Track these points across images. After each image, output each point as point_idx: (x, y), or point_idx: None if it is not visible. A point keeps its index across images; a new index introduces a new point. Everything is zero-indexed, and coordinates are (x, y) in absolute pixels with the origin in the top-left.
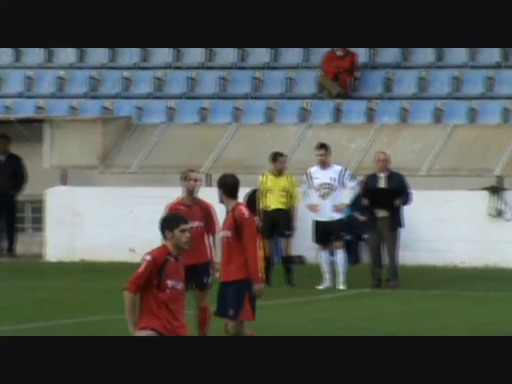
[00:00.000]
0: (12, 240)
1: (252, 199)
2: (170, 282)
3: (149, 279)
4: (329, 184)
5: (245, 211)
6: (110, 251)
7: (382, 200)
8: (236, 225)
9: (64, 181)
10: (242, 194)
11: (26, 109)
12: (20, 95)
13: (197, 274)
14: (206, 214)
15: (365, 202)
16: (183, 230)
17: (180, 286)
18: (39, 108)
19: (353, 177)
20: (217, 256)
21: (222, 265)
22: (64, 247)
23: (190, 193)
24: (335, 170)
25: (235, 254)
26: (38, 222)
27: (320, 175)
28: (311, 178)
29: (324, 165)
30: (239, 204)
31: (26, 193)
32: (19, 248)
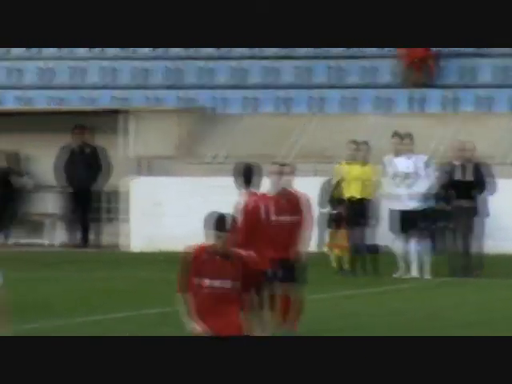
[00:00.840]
0: (94, 230)
1: (325, 188)
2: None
3: None
4: (407, 173)
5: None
6: (191, 241)
7: (462, 191)
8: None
9: (144, 171)
10: (320, 182)
11: (106, 100)
12: (100, 86)
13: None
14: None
15: (444, 193)
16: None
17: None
18: (119, 99)
19: (431, 165)
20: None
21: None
22: (146, 237)
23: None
24: (414, 158)
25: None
26: (117, 213)
27: (398, 163)
28: (389, 166)
29: (402, 153)
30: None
31: (107, 183)
32: (102, 238)
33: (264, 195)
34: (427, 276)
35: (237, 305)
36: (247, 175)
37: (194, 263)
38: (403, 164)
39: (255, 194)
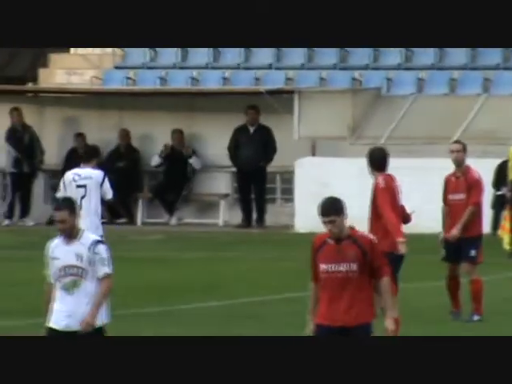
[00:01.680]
0: (262, 211)
1: (502, 170)
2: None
3: None
4: None
5: (381, 181)
6: (358, 224)
7: None
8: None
9: (313, 152)
10: (492, 165)
11: (275, 80)
12: (270, 66)
13: (464, 247)
14: (469, 186)
15: None
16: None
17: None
18: (289, 79)
19: None
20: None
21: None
22: (313, 218)
23: (457, 164)
24: None
25: None
26: (287, 193)
27: None
28: None
29: None
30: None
31: (276, 164)
32: (269, 219)
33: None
34: None
35: (361, 289)
36: (383, 159)
37: (314, 253)
38: None
39: (390, 176)
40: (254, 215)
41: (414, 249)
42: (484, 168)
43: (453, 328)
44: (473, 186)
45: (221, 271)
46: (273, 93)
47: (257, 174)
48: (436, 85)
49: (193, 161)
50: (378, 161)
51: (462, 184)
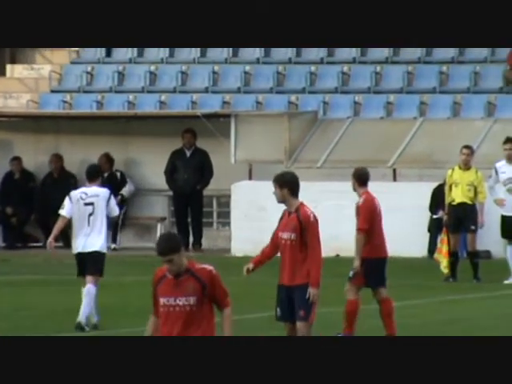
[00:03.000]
0: (199, 235)
1: (438, 193)
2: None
3: None
4: None
5: (310, 213)
6: None
7: None
8: (301, 227)
9: (250, 175)
10: (429, 188)
11: (212, 104)
12: (206, 90)
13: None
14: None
15: None
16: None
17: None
18: (225, 103)
19: None
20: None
21: (283, 268)
22: (250, 242)
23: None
24: None
25: (299, 256)
26: (224, 217)
27: (507, 170)
28: (498, 172)
29: (511, 159)
30: (303, 205)
31: (213, 187)
32: (206, 243)
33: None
34: None
35: (199, 324)
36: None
37: (154, 286)
38: None
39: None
40: (191, 239)
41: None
42: (420, 192)
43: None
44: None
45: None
46: (209, 116)
47: (193, 197)
48: (372, 108)
49: (124, 190)
50: (295, 185)
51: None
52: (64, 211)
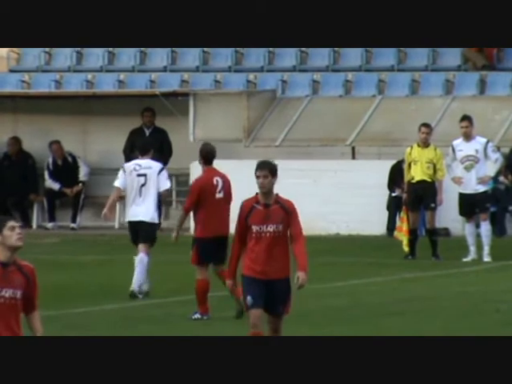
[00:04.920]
0: (158, 213)
1: (396, 171)
2: None
3: None
4: (473, 156)
5: (289, 199)
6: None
7: None
8: (288, 217)
9: None
10: (387, 166)
11: (170, 83)
12: (165, 69)
13: None
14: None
15: (506, 179)
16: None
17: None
18: (184, 82)
19: (496, 149)
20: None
21: (260, 260)
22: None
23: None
24: (479, 141)
25: (282, 249)
26: (183, 196)
27: (464, 147)
28: (455, 150)
29: (468, 137)
30: (278, 194)
31: (172, 166)
32: (164, 221)
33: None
34: (487, 259)
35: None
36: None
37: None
38: (470, 147)
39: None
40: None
41: (309, 251)
42: (379, 169)
43: (341, 329)
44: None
45: (116, 274)
46: (168, 95)
47: None
48: (331, 87)
49: (81, 176)
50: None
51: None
52: (118, 182)
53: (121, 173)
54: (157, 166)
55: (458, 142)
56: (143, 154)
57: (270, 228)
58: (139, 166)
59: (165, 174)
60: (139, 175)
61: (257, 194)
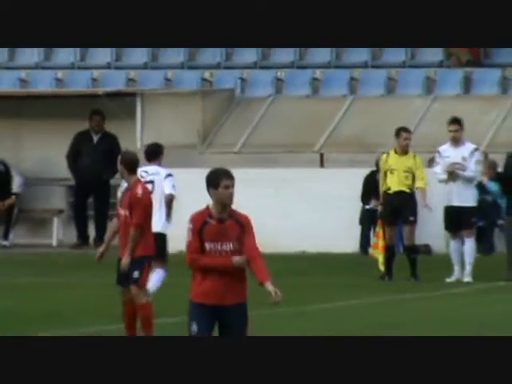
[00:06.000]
0: (103, 229)
1: (370, 181)
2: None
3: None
4: (460, 164)
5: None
6: None
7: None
8: (243, 234)
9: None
10: (361, 175)
11: (115, 81)
12: (108, 66)
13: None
14: (131, 203)
15: (503, 190)
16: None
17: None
18: (130, 80)
19: (480, 162)
20: None
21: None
22: None
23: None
24: (468, 148)
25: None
26: None
27: (451, 153)
28: (442, 156)
29: (456, 142)
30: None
31: (118, 176)
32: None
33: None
34: (468, 279)
35: None
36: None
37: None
38: (458, 154)
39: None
40: (94, 234)
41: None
42: (351, 179)
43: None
44: (135, 204)
45: (57, 298)
46: (112, 96)
47: (98, 187)
48: (296, 85)
49: (14, 187)
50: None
51: (126, 199)
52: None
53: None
54: (164, 171)
55: (445, 148)
56: (152, 159)
57: (226, 247)
58: (146, 172)
59: (171, 179)
60: (146, 182)
61: (207, 206)
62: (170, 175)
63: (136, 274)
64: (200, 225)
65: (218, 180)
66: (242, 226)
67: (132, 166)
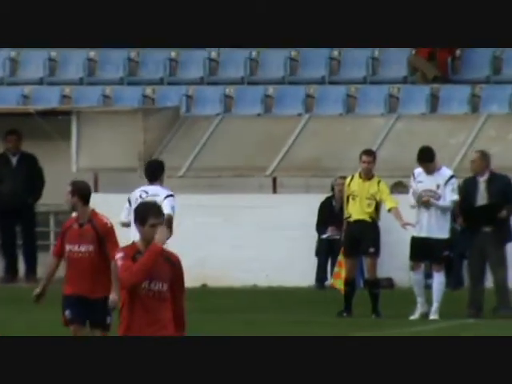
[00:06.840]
0: (33, 261)
1: (325, 208)
2: None
3: None
4: (433, 192)
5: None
6: None
7: (482, 217)
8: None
9: (96, 187)
10: (317, 201)
11: (48, 98)
12: (41, 81)
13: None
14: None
15: (460, 222)
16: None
17: None
18: (65, 97)
19: (456, 189)
20: None
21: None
22: None
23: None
24: (443, 175)
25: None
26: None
27: (425, 179)
28: (415, 180)
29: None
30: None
31: (50, 202)
32: (41, 270)
33: None
34: (434, 316)
35: None
36: (89, 194)
37: None
38: (432, 180)
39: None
40: (23, 266)
41: (220, 307)
42: (306, 205)
43: None
44: (107, 235)
45: None
46: (45, 114)
47: (24, 214)
48: (247, 103)
49: None
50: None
51: (87, 233)
52: (123, 216)
53: (126, 205)
54: (165, 192)
55: (420, 171)
56: (153, 180)
57: (155, 286)
58: (146, 192)
59: (171, 199)
60: None
61: (133, 242)
62: (169, 196)
63: (109, 319)
64: (132, 256)
65: (146, 217)
66: (173, 265)
67: (88, 197)
